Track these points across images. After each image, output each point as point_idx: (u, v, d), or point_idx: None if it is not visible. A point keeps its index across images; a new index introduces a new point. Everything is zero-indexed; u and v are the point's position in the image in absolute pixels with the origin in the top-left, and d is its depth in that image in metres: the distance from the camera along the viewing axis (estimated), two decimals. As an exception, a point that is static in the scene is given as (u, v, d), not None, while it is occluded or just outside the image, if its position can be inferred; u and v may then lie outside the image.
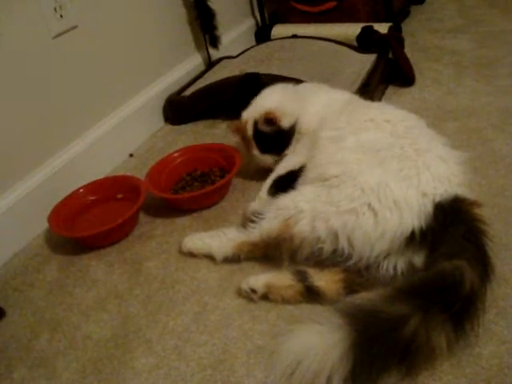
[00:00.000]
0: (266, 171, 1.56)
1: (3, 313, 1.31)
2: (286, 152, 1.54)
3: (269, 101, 1.54)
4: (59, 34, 1.62)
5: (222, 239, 1.32)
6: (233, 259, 1.31)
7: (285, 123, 1.50)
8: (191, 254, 1.37)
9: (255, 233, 1.27)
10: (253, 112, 1.55)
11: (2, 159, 1.50)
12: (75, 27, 1.67)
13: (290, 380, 0.95)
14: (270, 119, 1.49)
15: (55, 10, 1.59)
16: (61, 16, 1.61)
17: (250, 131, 1.55)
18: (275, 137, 1.52)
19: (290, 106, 1.52)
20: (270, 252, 1.26)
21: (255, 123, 1.53)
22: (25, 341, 1.23)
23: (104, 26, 1.80)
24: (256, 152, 1.57)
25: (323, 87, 1.64)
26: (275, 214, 1.25)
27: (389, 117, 1.33)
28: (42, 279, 1.41)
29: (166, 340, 1.15)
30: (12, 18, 1.48)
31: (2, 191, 1.50)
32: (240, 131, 1.59)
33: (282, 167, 1.51)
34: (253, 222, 1.29)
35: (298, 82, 1.68)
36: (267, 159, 1.57)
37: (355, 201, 1.15)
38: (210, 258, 1.33)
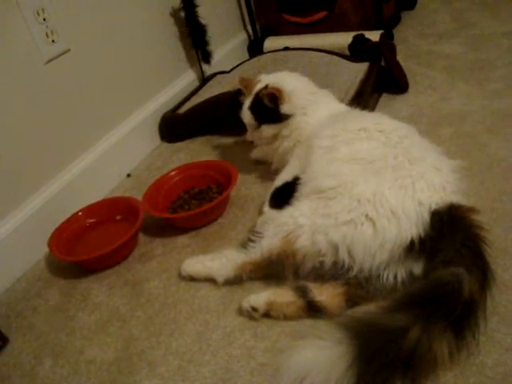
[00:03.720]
0: (264, 178, 1.60)
1: (6, 340, 1.31)
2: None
3: (288, 82, 1.57)
4: (52, 59, 1.62)
5: (222, 261, 1.29)
6: (235, 281, 1.29)
7: (283, 108, 1.53)
8: (191, 278, 1.35)
9: (256, 252, 1.25)
10: (268, 80, 1.59)
11: (0, 186, 1.50)
12: (68, 51, 1.68)
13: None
14: (274, 97, 1.52)
15: (47, 35, 1.59)
16: (53, 41, 1.61)
17: (255, 90, 1.60)
18: (269, 111, 1.55)
19: (299, 99, 1.55)
20: (272, 270, 1.25)
21: (262, 88, 1.57)
22: (28, 368, 1.22)
23: (97, 48, 1.81)
24: (246, 111, 1.61)
25: (328, 98, 1.65)
26: (274, 231, 1.24)
27: (382, 127, 1.33)
28: (45, 304, 1.41)
29: (170, 361, 1.15)
30: (3, 47, 1.48)
31: (1, 218, 1.51)
32: (248, 87, 1.64)
33: (279, 179, 1.52)
34: (252, 241, 1.28)
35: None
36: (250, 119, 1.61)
37: (352, 212, 1.15)
38: (211, 280, 1.31)
